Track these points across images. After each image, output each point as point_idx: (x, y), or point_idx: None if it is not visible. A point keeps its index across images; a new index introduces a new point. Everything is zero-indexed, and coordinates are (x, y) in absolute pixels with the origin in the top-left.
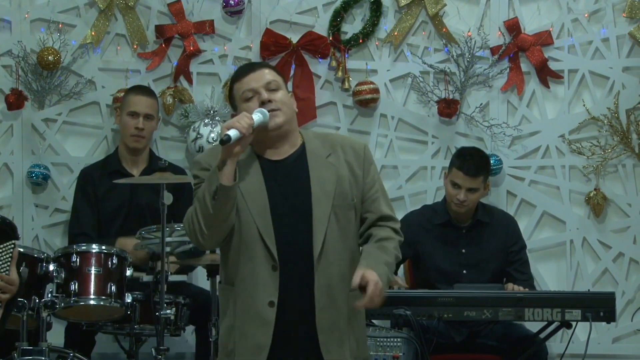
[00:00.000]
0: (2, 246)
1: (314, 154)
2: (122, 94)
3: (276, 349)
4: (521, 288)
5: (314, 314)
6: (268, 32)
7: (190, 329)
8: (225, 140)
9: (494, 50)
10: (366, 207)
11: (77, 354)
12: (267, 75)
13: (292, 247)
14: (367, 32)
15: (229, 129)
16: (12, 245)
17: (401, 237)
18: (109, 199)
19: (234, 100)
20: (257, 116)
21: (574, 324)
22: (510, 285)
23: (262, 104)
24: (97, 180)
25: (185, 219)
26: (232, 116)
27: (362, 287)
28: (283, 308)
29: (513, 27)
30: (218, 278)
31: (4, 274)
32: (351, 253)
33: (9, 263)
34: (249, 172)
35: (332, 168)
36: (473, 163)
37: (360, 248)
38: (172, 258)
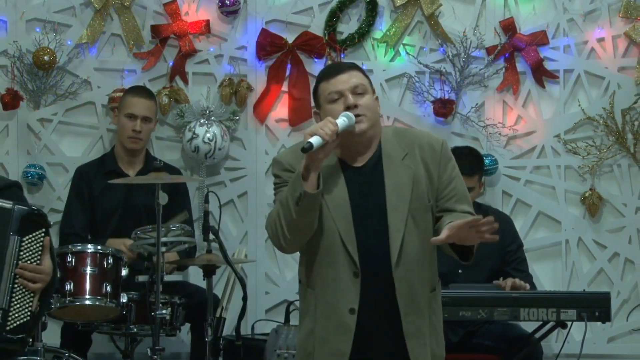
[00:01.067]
0: (31, 235)
1: (390, 156)
2: (117, 94)
3: (357, 355)
4: (517, 280)
5: (399, 320)
6: (264, 32)
7: (185, 328)
8: (307, 148)
9: (489, 50)
10: (442, 205)
11: (72, 354)
12: (355, 78)
13: (371, 255)
14: (363, 32)
15: (312, 136)
16: (42, 234)
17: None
18: (104, 199)
19: (319, 99)
20: (342, 121)
21: (569, 323)
22: (509, 280)
23: (348, 108)
24: (92, 180)
25: (268, 222)
26: (315, 114)
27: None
28: (364, 315)
29: (509, 27)
30: (297, 277)
31: (34, 263)
32: (429, 254)
33: (39, 252)
34: (331, 178)
35: (408, 170)
36: (468, 162)
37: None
38: (169, 257)
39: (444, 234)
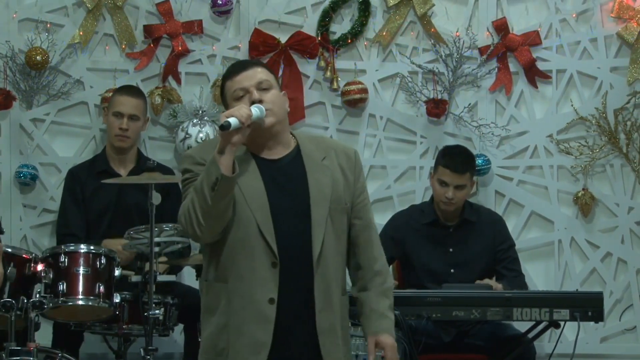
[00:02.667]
0: None
1: (310, 156)
2: (110, 94)
3: (276, 348)
4: (500, 286)
5: (314, 315)
6: (256, 32)
7: (178, 329)
8: (225, 126)
9: (482, 51)
10: (355, 212)
11: (65, 354)
12: (259, 74)
13: (291, 247)
14: (356, 32)
15: (228, 117)
16: None
17: (378, 240)
18: (96, 199)
19: (225, 99)
20: (255, 110)
21: (562, 323)
22: (492, 283)
23: (253, 103)
24: (84, 180)
25: (181, 212)
26: (222, 115)
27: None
28: (283, 306)
29: (501, 27)
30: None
31: None
32: (342, 256)
33: None
34: (245, 169)
35: (328, 171)
36: (460, 160)
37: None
38: (161, 258)
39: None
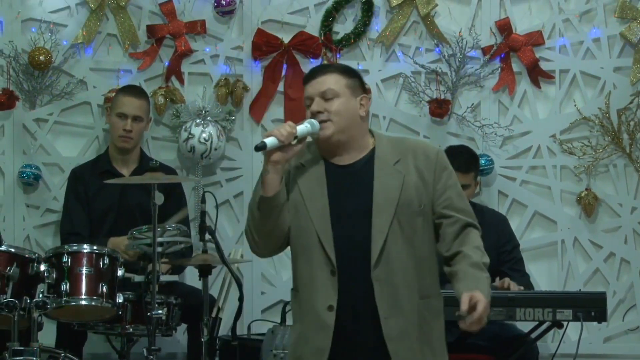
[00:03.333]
0: None
1: (382, 160)
2: (113, 94)
3: (338, 353)
4: (514, 284)
5: (378, 321)
6: (260, 32)
7: (181, 329)
8: (260, 147)
9: (485, 51)
10: (438, 212)
11: (68, 354)
12: (326, 83)
13: (350, 254)
14: (359, 32)
15: (268, 137)
16: None
17: (479, 230)
18: (99, 199)
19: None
20: (304, 127)
21: (565, 323)
22: (507, 280)
23: (312, 115)
24: (87, 180)
25: (245, 229)
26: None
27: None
28: (343, 313)
29: (504, 27)
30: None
31: None
32: (417, 260)
33: None
34: (312, 177)
35: (399, 175)
36: (463, 159)
37: (448, 264)
38: (162, 260)
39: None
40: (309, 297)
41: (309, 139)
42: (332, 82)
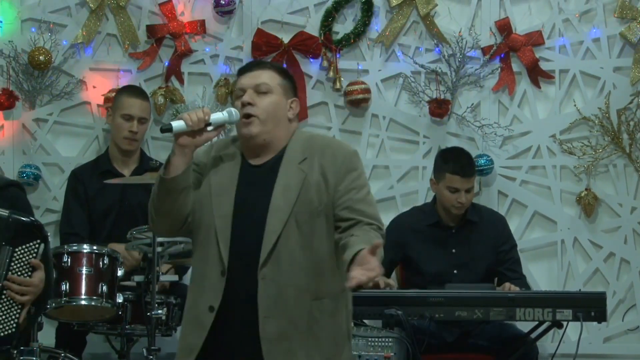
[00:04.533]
0: (25, 246)
1: (288, 159)
2: (113, 94)
3: (209, 353)
4: (516, 288)
5: (257, 323)
6: (259, 32)
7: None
8: (163, 129)
9: (485, 51)
10: (337, 214)
11: (68, 354)
12: (262, 77)
13: (241, 254)
14: (359, 32)
15: (179, 119)
16: (37, 245)
17: (383, 236)
18: (99, 199)
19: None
20: (220, 115)
21: (565, 323)
22: (507, 285)
23: (243, 105)
24: (87, 181)
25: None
26: None
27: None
28: (225, 314)
29: (504, 27)
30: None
31: (25, 274)
32: (312, 261)
33: (29, 265)
34: (226, 173)
35: (301, 174)
36: (466, 163)
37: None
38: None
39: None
40: (196, 294)
41: (232, 129)
42: (267, 77)
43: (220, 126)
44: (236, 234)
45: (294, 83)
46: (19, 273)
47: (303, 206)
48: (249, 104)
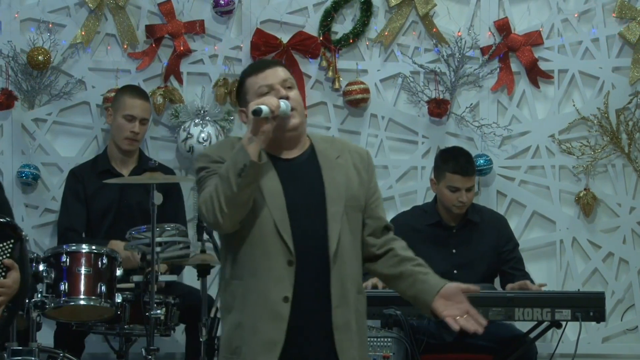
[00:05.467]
0: None
1: (324, 155)
2: (112, 94)
3: (289, 345)
4: (528, 282)
5: (330, 311)
6: (258, 32)
7: (180, 328)
8: (257, 111)
9: (484, 51)
10: (368, 212)
11: (67, 354)
12: (282, 73)
13: (308, 244)
14: (358, 32)
15: (259, 105)
16: (10, 245)
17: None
18: (98, 199)
19: (246, 95)
20: (283, 104)
21: (563, 323)
22: (526, 283)
23: (280, 99)
24: (86, 180)
25: (202, 201)
26: (240, 112)
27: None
28: (297, 304)
29: (503, 27)
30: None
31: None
32: (358, 254)
33: (2, 265)
34: (263, 168)
35: (342, 169)
36: (466, 162)
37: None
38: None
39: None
40: (262, 287)
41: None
42: (286, 73)
43: (277, 116)
44: (296, 224)
45: None
46: None
47: (351, 200)
48: (287, 97)
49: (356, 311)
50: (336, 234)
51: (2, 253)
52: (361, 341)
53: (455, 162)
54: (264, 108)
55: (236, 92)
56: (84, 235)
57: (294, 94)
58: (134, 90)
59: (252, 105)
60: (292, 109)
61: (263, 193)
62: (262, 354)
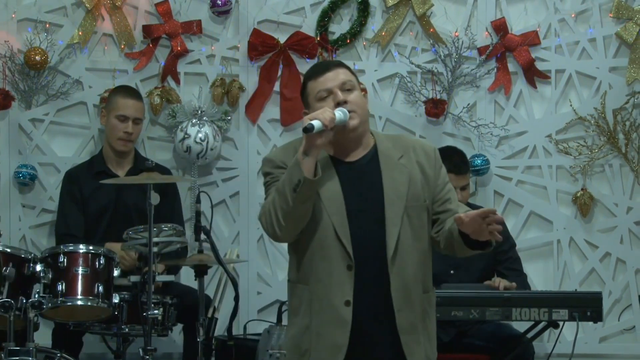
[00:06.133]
0: None
1: (386, 155)
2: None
3: (354, 349)
4: (506, 282)
5: (393, 314)
6: (255, 32)
7: (177, 329)
8: (308, 129)
9: (481, 51)
10: (438, 208)
11: (64, 354)
12: (342, 75)
13: (366, 248)
14: (355, 32)
15: (311, 120)
16: None
17: None
18: (94, 200)
19: (307, 99)
20: (339, 113)
21: (561, 323)
22: (497, 280)
23: (338, 104)
24: (82, 181)
25: (262, 212)
26: (304, 114)
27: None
28: (359, 307)
29: (500, 27)
30: (287, 276)
31: None
32: (422, 254)
33: None
34: (324, 172)
35: (405, 169)
36: (459, 160)
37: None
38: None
39: (463, 217)
40: (325, 292)
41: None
42: (346, 75)
43: (335, 126)
44: (354, 228)
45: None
46: None
47: (413, 200)
48: (345, 102)
49: (423, 311)
50: (394, 238)
51: None
52: (429, 339)
53: (448, 161)
54: (316, 124)
55: (300, 94)
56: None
57: (353, 96)
58: (127, 90)
59: (305, 121)
60: (350, 112)
61: (323, 198)
62: (328, 358)
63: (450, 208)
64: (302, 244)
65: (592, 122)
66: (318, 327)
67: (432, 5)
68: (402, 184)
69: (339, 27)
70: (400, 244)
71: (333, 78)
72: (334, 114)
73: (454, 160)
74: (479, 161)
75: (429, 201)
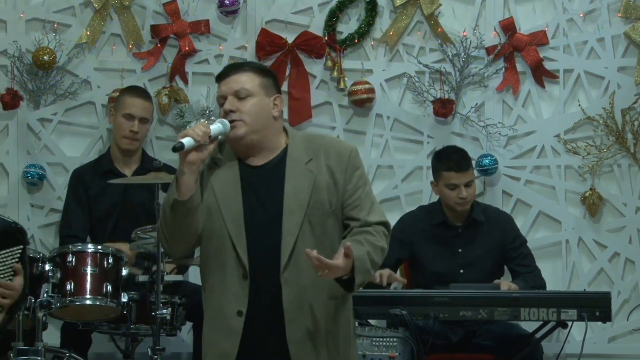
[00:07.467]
0: (8, 250)
1: (294, 159)
2: (117, 94)
3: (243, 358)
4: (512, 285)
5: (284, 325)
6: (263, 32)
7: (186, 328)
8: (177, 148)
9: (489, 50)
10: (346, 213)
11: (73, 354)
12: (240, 81)
13: (261, 257)
14: (363, 32)
15: (183, 137)
16: (19, 250)
17: (386, 241)
18: (101, 199)
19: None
20: (217, 126)
21: (569, 323)
22: (505, 283)
23: (225, 113)
24: (89, 181)
25: (157, 228)
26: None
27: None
28: (252, 318)
29: (508, 27)
30: None
31: (7, 279)
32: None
33: (12, 268)
34: (227, 177)
35: (310, 175)
36: (458, 157)
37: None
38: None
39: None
40: (219, 301)
41: (220, 138)
42: (245, 81)
43: (216, 137)
44: (251, 237)
45: (275, 79)
46: (2, 276)
47: (315, 208)
48: (231, 111)
49: (329, 319)
50: (289, 247)
51: (12, 257)
52: (336, 346)
53: (448, 160)
54: (186, 141)
55: None
56: (88, 238)
57: (247, 104)
58: (135, 90)
59: (179, 137)
60: (235, 121)
61: (220, 204)
62: None
63: (358, 217)
64: (204, 251)
65: (601, 122)
66: (210, 337)
67: (440, 4)
68: (305, 191)
69: (347, 26)
70: (296, 253)
71: (228, 84)
72: (208, 128)
73: (453, 158)
74: (487, 161)
75: (337, 206)
